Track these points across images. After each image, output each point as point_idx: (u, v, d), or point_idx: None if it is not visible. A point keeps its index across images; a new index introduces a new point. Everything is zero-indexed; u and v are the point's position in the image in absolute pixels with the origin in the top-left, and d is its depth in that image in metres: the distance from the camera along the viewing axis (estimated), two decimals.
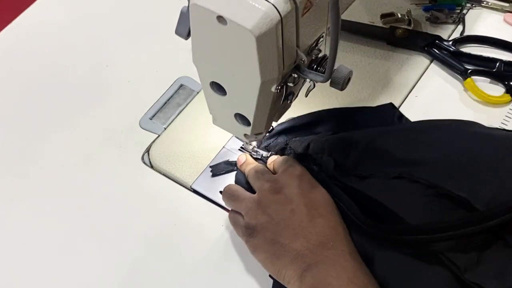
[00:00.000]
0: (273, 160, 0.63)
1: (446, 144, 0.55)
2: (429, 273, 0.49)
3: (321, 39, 0.53)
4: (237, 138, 0.67)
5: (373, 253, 0.52)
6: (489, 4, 0.80)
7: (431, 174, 0.51)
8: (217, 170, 0.67)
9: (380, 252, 0.52)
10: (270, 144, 0.67)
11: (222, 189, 0.64)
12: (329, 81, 0.51)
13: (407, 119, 0.68)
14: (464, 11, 0.79)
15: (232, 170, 0.67)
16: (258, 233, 0.54)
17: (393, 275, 0.50)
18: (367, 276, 0.49)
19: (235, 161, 0.67)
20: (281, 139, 0.67)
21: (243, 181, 0.64)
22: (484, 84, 0.72)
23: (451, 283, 0.47)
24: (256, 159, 0.66)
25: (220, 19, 0.45)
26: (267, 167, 0.63)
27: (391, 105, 0.69)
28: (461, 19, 0.79)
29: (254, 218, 0.55)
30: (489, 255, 0.47)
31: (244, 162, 0.64)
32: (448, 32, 0.78)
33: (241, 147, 0.67)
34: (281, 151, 0.66)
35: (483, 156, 0.52)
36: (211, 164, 0.67)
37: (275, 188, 0.56)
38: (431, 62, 0.75)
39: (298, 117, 0.69)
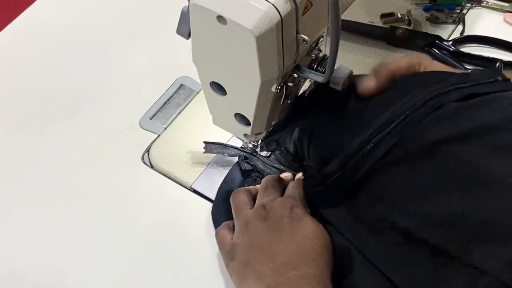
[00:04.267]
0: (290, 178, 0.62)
1: None
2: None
3: (321, 39, 0.53)
4: (237, 138, 0.66)
5: (363, 241, 0.51)
6: (489, 4, 0.80)
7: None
8: (210, 149, 0.67)
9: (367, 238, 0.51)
10: (263, 143, 0.67)
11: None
12: (329, 81, 0.51)
13: None
14: (464, 11, 0.79)
15: (222, 154, 0.67)
16: (236, 255, 0.54)
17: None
18: None
19: (231, 146, 0.67)
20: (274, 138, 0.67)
21: (235, 182, 0.65)
22: None
23: None
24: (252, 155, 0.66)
25: (220, 19, 0.45)
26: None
27: None
28: (461, 19, 0.79)
29: (239, 238, 0.55)
30: (445, 276, 0.45)
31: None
32: (448, 32, 0.78)
33: (241, 147, 0.68)
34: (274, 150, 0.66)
35: None
36: (207, 143, 0.67)
37: (265, 214, 0.55)
38: None
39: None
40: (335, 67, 0.50)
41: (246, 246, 0.54)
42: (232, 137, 0.69)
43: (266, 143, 0.67)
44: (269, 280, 0.50)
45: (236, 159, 0.68)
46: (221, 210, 0.63)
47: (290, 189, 0.59)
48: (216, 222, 0.62)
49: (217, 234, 0.59)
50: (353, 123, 0.54)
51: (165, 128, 0.73)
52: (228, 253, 0.55)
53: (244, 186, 0.65)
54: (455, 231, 0.44)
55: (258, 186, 0.62)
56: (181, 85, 0.77)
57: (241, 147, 0.68)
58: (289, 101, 0.58)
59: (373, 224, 0.50)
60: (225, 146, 0.67)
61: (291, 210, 0.54)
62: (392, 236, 0.48)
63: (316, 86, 0.57)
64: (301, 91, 0.61)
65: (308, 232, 0.53)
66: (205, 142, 0.67)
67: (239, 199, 0.60)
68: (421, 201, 0.46)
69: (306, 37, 0.48)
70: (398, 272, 0.48)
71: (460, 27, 0.78)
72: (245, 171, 0.66)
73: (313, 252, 0.51)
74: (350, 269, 0.52)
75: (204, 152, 0.67)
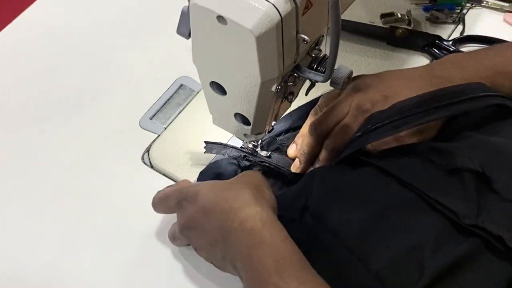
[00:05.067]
0: None
1: None
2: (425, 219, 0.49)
3: (321, 39, 0.53)
4: (237, 138, 0.67)
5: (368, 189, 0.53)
6: (489, 4, 0.80)
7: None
8: (210, 149, 0.67)
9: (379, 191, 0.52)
10: (263, 143, 0.67)
11: None
12: (329, 81, 0.51)
13: None
14: (464, 11, 0.79)
15: (223, 154, 0.67)
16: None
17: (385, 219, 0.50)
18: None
19: (231, 146, 0.67)
20: (273, 139, 0.67)
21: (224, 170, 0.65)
22: None
23: (446, 228, 0.48)
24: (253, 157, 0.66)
25: (220, 19, 0.45)
26: None
27: None
28: (461, 19, 0.79)
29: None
30: (486, 206, 0.47)
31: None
32: (448, 32, 0.78)
33: (241, 147, 0.68)
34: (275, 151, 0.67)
35: None
36: (207, 143, 0.67)
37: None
38: (431, 62, 0.75)
39: (296, 110, 0.69)
40: (335, 67, 0.50)
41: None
42: (232, 137, 0.69)
43: (267, 143, 0.67)
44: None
45: None
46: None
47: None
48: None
49: None
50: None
51: (165, 128, 0.73)
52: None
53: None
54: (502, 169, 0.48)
55: None
56: (181, 85, 0.77)
57: (241, 147, 0.68)
58: (289, 101, 0.58)
59: (414, 164, 0.53)
60: (225, 146, 0.67)
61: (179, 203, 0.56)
62: (436, 171, 0.51)
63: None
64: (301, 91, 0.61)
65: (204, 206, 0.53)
66: (205, 142, 0.67)
67: None
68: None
69: (306, 37, 0.48)
70: (445, 196, 0.49)
71: (460, 27, 0.78)
72: (244, 168, 0.66)
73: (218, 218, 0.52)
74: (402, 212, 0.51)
75: (204, 152, 0.67)
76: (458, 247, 0.46)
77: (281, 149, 0.67)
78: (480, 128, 0.54)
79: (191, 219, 0.55)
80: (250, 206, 0.50)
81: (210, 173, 0.65)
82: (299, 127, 0.66)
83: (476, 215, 0.46)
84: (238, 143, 0.68)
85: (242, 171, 0.66)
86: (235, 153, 0.67)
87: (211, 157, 0.69)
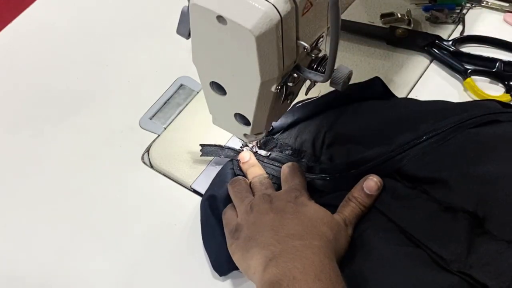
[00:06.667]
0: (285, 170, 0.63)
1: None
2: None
3: (321, 39, 0.53)
4: (237, 138, 0.67)
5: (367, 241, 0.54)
6: (489, 4, 0.80)
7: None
8: (207, 151, 0.67)
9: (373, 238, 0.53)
10: (261, 142, 0.67)
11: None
12: (329, 81, 0.51)
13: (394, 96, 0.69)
14: (464, 11, 0.79)
15: (219, 155, 0.67)
16: (240, 234, 0.55)
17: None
18: (335, 274, 0.48)
19: (227, 147, 0.67)
20: (270, 138, 0.67)
21: (227, 178, 0.64)
22: (483, 84, 0.72)
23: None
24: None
25: (220, 19, 0.45)
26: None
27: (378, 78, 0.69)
28: (461, 19, 0.79)
29: (243, 220, 0.57)
30: (477, 248, 0.48)
31: (246, 162, 0.64)
32: (448, 32, 0.78)
33: (241, 147, 0.67)
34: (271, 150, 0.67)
35: None
36: (203, 146, 0.67)
37: (270, 200, 0.57)
38: (431, 62, 0.75)
39: (297, 109, 0.68)
40: (335, 67, 0.50)
41: (251, 225, 0.55)
42: (232, 137, 0.69)
43: (264, 142, 0.66)
44: (273, 248, 0.50)
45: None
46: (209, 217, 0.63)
47: (289, 178, 0.60)
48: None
49: (224, 214, 0.60)
50: (376, 134, 0.60)
51: (165, 128, 0.73)
52: (233, 234, 0.56)
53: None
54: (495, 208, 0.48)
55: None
56: (181, 85, 0.77)
57: (241, 147, 0.68)
58: (289, 101, 0.58)
59: (408, 197, 0.54)
60: (221, 148, 0.67)
61: (295, 198, 0.56)
62: (430, 207, 0.52)
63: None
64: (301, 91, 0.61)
65: (311, 214, 0.54)
66: (201, 145, 0.67)
67: (240, 186, 0.61)
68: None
69: (306, 44, 0.48)
70: (434, 239, 0.50)
71: (460, 27, 0.78)
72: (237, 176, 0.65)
73: (317, 229, 0.52)
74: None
75: (201, 155, 0.67)
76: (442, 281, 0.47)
77: (280, 148, 0.66)
78: (470, 156, 0.54)
79: (288, 198, 0.56)
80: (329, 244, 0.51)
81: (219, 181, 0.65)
82: (297, 123, 0.67)
83: (466, 257, 0.47)
84: (237, 144, 0.68)
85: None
86: (231, 154, 0.67)
87: (211, 157, 0.69)
